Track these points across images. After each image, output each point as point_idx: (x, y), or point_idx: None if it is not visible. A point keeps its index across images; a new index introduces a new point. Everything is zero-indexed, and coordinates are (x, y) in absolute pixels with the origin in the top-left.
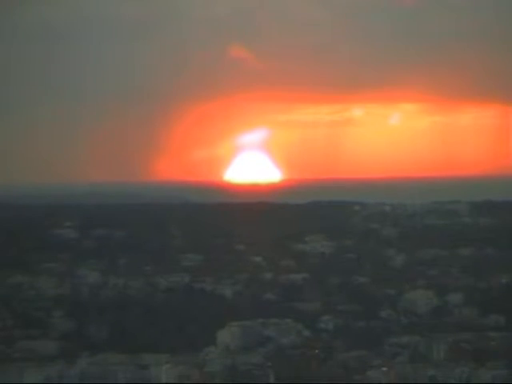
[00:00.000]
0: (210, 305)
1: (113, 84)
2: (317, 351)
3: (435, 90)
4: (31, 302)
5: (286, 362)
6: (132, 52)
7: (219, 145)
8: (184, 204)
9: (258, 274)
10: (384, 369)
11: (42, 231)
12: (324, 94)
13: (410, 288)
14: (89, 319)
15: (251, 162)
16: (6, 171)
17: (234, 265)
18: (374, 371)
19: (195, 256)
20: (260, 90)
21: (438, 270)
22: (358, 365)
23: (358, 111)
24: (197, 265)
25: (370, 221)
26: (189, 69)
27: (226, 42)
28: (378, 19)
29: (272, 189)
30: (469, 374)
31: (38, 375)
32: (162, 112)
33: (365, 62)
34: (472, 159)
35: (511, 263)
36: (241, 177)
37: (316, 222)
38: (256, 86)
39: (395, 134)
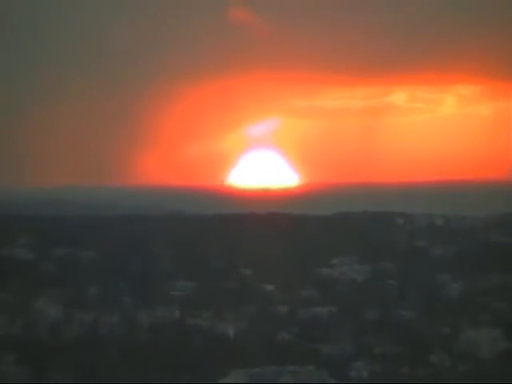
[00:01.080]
0: (208, 347)
1: (89, 58)
2: None
3: (495, 70)
4: None
5: None
6: (115, 20)
7: (222, 139)
8: (174, 215)
9: (270, 306)
10: None
11: None
12: (356, 76)
13: (469, 325)
14: (49, 366)
15: (261, 162)
16: None
17: (238, 295)
18: None
19: (188, 283)
20: (275, 69)
21: (506, 301)
22: None
23: (400, 95)
24: (190, 295)
25: (416, 237)
26: (185, 40)
27: (232, 5)
28: None
29: (287, 196)
30: None
31: None
32: (148, 96)
33: (408, 35)
34: None
35: None
36: (248, 180)
37: (345, 238)
38: (269, 63)
39: (448, 125)
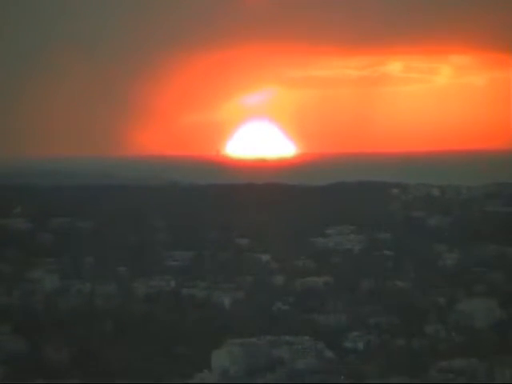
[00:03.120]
0: (203, 317)
1: (85, 27)
2: (342, 377)
3: (491, 40)
4: None
5: None
6: None
7: (218, 110)
8: (170, 185)
9: (266, 276)
10: None
11: None
12: (351, 46)
13: (465, 296)
14: (44, 337)
15: (257, 132)
16: None
17: (234, 265)
18: None
19: (184, 253)
20: (270, 40)
21: (501, 272)
22: None
23: (395, 65)
24: (186, 265)
25: (412, 208)
26: (180, 13)
27: None
28: None
29: (284, 166)
30: None
31: None
32: (145, 68)
33: (403, 5)
34: None
35: None
36: (244, 151)
37: (341, 209)
38: (264, 35)
39: (444, 95)
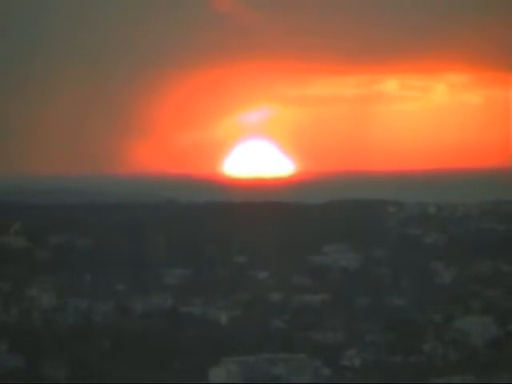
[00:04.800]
0: (201, 334)
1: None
2: None
3: (487, 59)
4: None
5: None
6: (108, 11)
7: (214, 128)
8: (168, 203)
9: (263, 294)
10: None
11: None
12: (346, 64)
13: (461, 313)
14: (42, 354)
15: (254, 151)
16: None
17: (231, 282)
18: None
19: (181, 271)
20: (266, 58)
21: (498, 289)
22: None
23: (391, 83)
24: (183, 283)
25: (408, 225)
26: (176, 30)
27: None
28: None
29: (281, 184)
30: None
31: None
32: (141, 85)
33: (399, 24)
34: None
35: None
36: (241, 169)
37: (338, 226)
38: (261, 53)
39: (440, 112)
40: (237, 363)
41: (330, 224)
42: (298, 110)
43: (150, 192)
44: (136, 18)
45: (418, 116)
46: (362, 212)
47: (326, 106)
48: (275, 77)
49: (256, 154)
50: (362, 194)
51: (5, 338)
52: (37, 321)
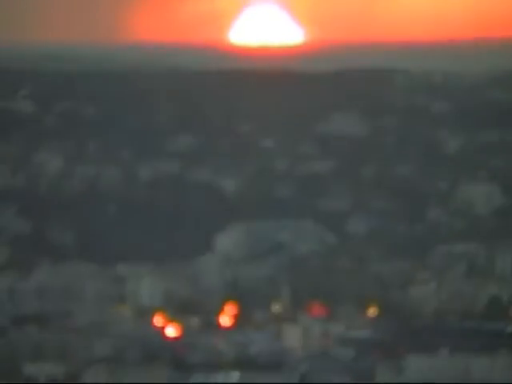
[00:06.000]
0: (206, 201)
1: None
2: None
3: None
4: None
5: (304, 275)
6: None
7: None
8: (173, 71)
9: (269, 162)
10: (431, 284)
11: None
12: None
13: (466, 181)
14: (49, 218)
15: (262, 17)
16: None
17: (237, 150)
18: (418, 288)
19: (187, 138)
20: None
21: (504, 157)
22: (397, 280)
23: None
24: (189, 149)
25: (415, 94)
26: None
27: None
28: None
29: (289, 53)
30: None
31: None
32: None
33: None
34: None
35: None
36: (248, 37)
37: (344, 95)
38: None
39: None
40: (242, 229)
41: (336, 92)
42: None
43: (154, 60)
44: None
45: None
46: (368, 80)
47: None
48: None
49: (263, 20)
50: (370, 64)
51: (12, 202)
52: (44, 186)
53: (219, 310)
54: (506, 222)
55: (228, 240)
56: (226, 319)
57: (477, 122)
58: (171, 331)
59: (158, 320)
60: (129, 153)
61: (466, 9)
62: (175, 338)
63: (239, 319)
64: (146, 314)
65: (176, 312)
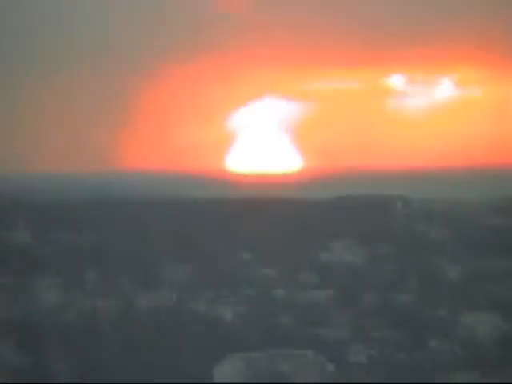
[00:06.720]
0: (205, 331)
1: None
2: None
3: (496, 54)
4: None
5: None
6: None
7: (216, 121)
8: (171, 199)
9: (268, 290)
10: None
11: None
12: (353, 57)
13: (468, 310)
14: (47, 351)
15: (259, 146)
16: None
17: (236, 278)
18: None
19: (185, 267)
20: (268, 50)
21: (505, 285)
22: None
23: (398, 78)
24: (188, 279)
25: (415, 221)
26: (169, 16)
27: None
28: None
29: (286, 180)
30: None
31: None
32: (132, 77)
33: (405, 16)
34: None
35: None
36: (245, 165)
37: (344, 222)
38: (264, 42)
39: (447, 108)
40: (242, 360)
41: (336, 220)
42: (303, 104)
43: (152, 188)
44: (131, 12)
45: (426, 111)
46: (368, 207)
47: (332, 101)
48: (279, 71)
49: (261, 149)
50: (370, 190)
51: (10, 335)
52: (41, 318)
53: None
54: (507, 351)
55: (227, 370)
56: None
57: (477, 250)
58: None
59: None
60: (128, 282)
61: (465, 137)
62: None
63: None
64: None
65: None
